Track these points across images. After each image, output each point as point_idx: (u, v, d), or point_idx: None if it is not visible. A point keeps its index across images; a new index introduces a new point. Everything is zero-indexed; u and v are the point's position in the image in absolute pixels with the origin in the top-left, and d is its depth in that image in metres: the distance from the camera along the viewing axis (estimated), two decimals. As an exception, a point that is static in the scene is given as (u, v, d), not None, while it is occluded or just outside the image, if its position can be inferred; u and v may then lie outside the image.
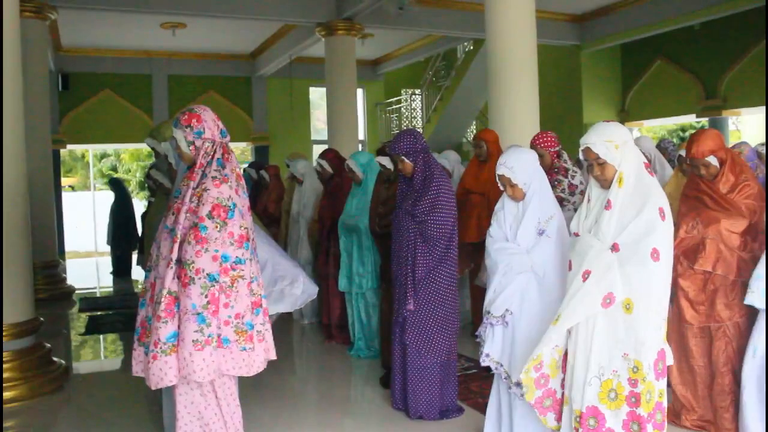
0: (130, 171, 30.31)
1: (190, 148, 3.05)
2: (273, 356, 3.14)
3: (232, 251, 2.91)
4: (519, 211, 3.44)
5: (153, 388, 2.88)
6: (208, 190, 2.92)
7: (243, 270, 2.95)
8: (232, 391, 3.13)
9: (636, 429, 2.72)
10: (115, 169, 31.71)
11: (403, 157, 4.30)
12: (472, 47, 14.93)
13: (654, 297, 2.74)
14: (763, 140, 7.08)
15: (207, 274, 2.84)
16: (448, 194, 4.23)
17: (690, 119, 13.92)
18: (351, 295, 5.89)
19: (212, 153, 3.02)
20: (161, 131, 4.43)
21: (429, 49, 14.67)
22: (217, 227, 2.88)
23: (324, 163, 6.37)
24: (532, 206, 3.38)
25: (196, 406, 3.05)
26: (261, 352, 3.04)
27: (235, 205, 2.95)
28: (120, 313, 8.26)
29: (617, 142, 2.85)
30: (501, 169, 3.41)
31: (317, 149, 15.36)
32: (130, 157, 30.10)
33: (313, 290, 4.03)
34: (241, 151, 19.60)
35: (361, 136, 16.21)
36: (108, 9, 9.90)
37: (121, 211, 11.62)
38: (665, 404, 2.82)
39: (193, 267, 2.84)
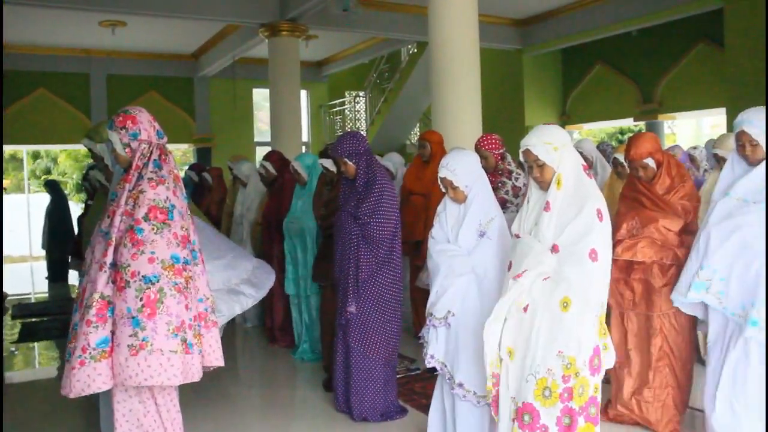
0: (66, 173, 29.43)
1: (126, 150, 2.98)
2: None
3: (180, 251, 2.86)
4: (460, 213, 3.47)
5: (73, 396, 2.75)
6: (144, 192, 2.86)
7: (191, 271, 2.91)
8: (172, 397, 3.06)
9: (567, 422, 2.76)
10: (49, 171, 30.74)
11: (345, 159, 4.29)
12: (415, 50, 15.02)
13: (591, 296, 2.79)
14: (695, 144, 7.33)
15: (142, 276, 2.77)
16: (391, 196, 4.24)
17: (628, 123, 14.28)
18: (296, 298, 5.85)
19: (149, 155, 2.96)
20: (99, 132, 4.31)
21: (373, 51, 14.71)
22: (153, 229, 2.82)
23: (268, 165, 6.30)
24: (473, 208, 3.41)
25: (135, 413, 2.97)
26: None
27: (174, 206, 2.90)
28: (56, 320, 8.02)
29: (556, 144, 2.90)
30: (443, 172, 3.44)
31: (260, 151, 15.22)
32: (67, 158, 29.23)
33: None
34: (183, 152, 19.28)
35: (304, 138, 16.14)
36: (44, 5, 9.59)
37: (58, 214, 11.29)
38: (599, 399, 2.88)
39: (128, 270, 2.77)
